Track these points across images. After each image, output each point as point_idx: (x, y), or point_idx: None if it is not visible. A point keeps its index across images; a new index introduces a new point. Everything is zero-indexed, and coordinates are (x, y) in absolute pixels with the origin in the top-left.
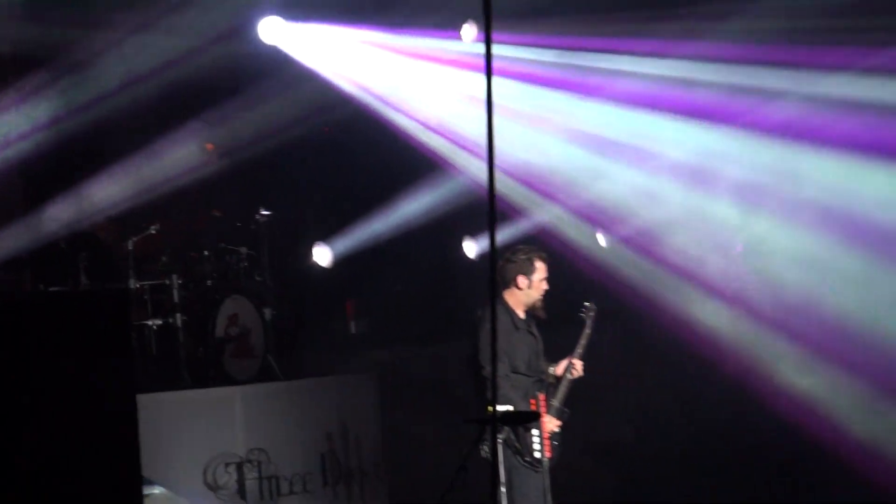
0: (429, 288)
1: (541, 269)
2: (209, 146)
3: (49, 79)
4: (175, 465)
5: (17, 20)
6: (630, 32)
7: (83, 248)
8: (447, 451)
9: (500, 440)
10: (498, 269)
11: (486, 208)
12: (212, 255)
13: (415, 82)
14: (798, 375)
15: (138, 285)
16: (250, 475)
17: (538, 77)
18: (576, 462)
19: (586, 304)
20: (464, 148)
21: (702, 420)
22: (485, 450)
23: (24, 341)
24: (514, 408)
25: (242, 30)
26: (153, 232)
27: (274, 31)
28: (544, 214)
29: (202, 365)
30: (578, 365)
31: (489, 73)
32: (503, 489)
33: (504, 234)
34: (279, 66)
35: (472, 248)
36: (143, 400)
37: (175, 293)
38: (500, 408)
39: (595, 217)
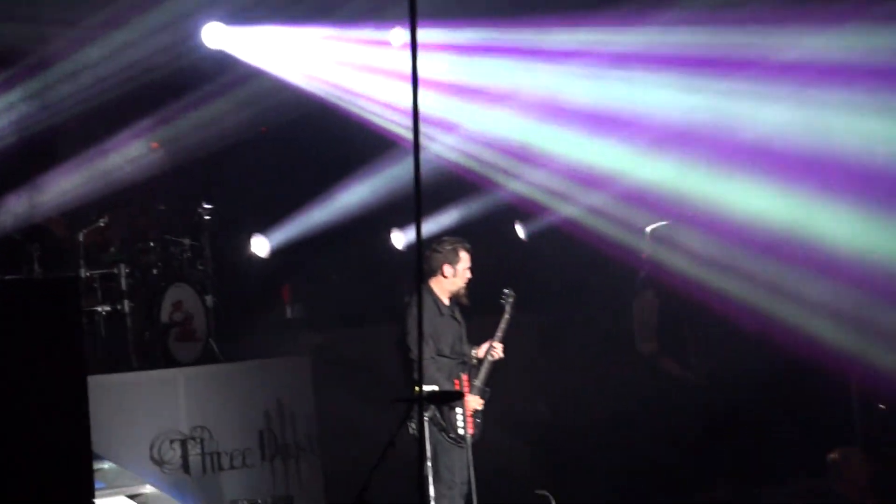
0: (360, 276)
1: (465, 259)
2: (154, 144)
3: (5, 78)
4: (123, 442)
5: None
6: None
7: (36, 239)
8: (377, 428)
9: (426, 418)
10: (425, 259)
11: (421, 199)
12: (157, 246)
13: (361, 71)
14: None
15: (88, 274)
16: (193, 451)
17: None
18: (496, 437)
19: (505, 291)
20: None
21: (613, 397)
22: (412, 427)
23: None
24: (439, 388)
25: (187, 34)
26: (102, 224)
27: (217, 35)
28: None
29: (148, 348)
30: (499, 347)
31: (415, 69)
32: (429, 463)
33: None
34: (221, 69)
35: (400, 238)
36: (93, 381)
37: (123, 281)
38: (426, 388)
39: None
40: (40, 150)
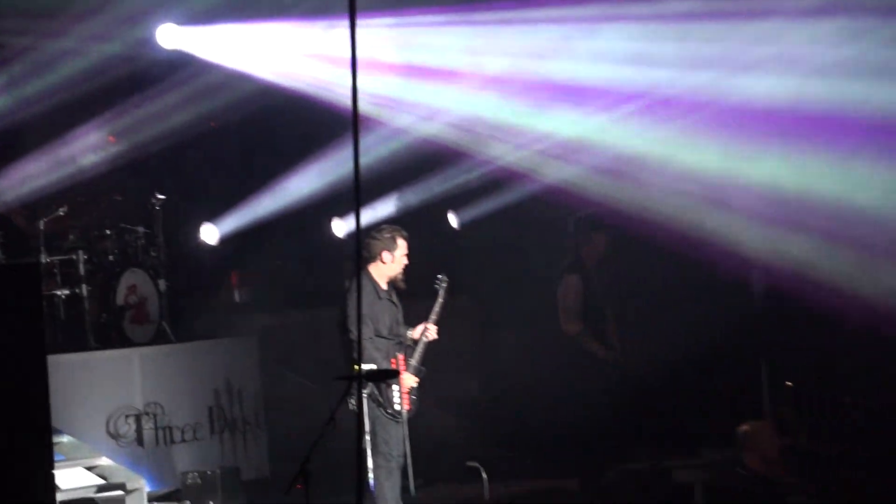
0: (303, 261)
1: (402, 246)
2: (111, 139)
3: None
4: (81, 417)
5: None
6: None
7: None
8: (319, 404)
9: (365, 395)
10: (364, 246)
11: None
12: (113, 234)
13: (314, 58)
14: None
15: (48, 260)
16: (147, 425)
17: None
18: (430, 413)
19: (439, 276)
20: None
21: (539, 375)
22: (352, 403)
23: None
24: (377, 366)
25: (143, 35)
26: (62, 213)
27: (171, 36)
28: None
29: (105, 329)
30: (433, 329)
31: (354, 63)
32: (368, 437)
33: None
34: (174, 68)
35: (340, 227)
36: (53, 360)
37: (81, 267)
38: (365, 366)
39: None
40: (2, 144)
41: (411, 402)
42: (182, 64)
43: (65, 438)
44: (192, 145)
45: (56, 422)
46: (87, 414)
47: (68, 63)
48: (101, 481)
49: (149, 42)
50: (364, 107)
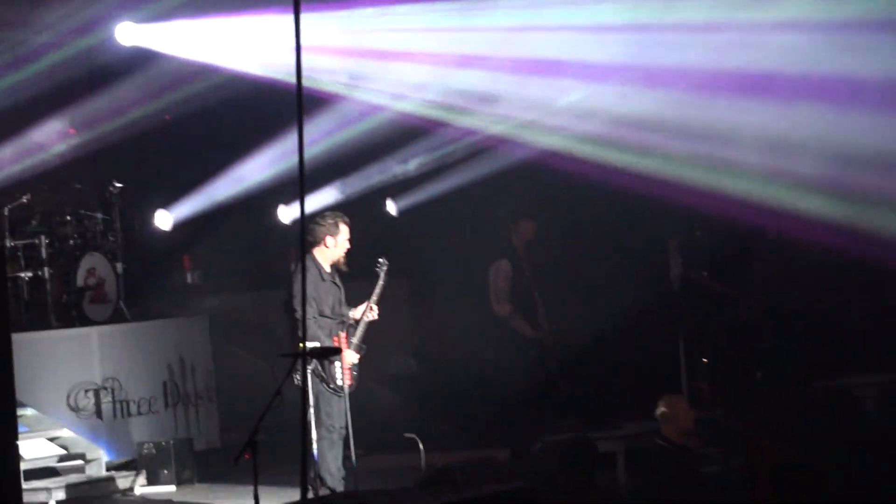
0: (252, 245)
1: (344, 231)
2: (72, 131)
3: None
4: (43, 391)
5: None
6: None
7: None
8: (266, 380)
9: (309, 370)
10: (309, 231)
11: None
12: (73, 220)
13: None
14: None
15: (13, 244)
16: (105, 399)
17: None
18: (371, 388)
19: (380, 259)
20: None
21: (472, 352)
22: (296, 378)
23: None
24: (321, 344)
25: (102, 32)
26: (25, 200)
27: (129, 33)
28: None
29: (66, 309)
30: (374, 309)
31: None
32: (312, 410)
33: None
34: (132, 64)
35: (285, 213)
36: (17, 338)
37: (43, 250)
38: (309, 344)
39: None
40: None
41: (353, 378)
42: (139, 59)
43: (28, 411)
44: (147, 136)
45: (20, 396)
46: (49, 388)
47: (33, 57)
48: (62, 451)
49: (108, 39)
50: (333, 86)
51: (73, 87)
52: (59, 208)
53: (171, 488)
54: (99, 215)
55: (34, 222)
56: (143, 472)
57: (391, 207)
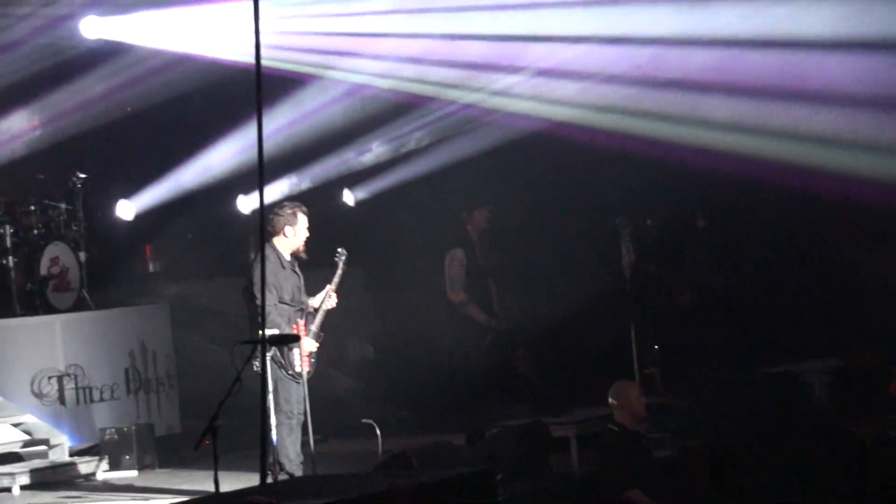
0: (212, 235)
1: (303, 220)
2: (36, 122)
3: None
4: (7, 378)
5: None
6: None
7: None
8: (226, 366)
9: (268, 357)
10: (268, 221)
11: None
12: (37, 210)
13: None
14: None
15: None
16: (69, 386)
17: None
18: (329, 374)
19: (339, 250)
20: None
21: (428, 340)
22: (256, 365)
23: None
24: (280, 331)
25: (67, 26)
26: None
27: (93, 27)
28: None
29: (30, 297)
30: (332, 298)
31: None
32: (271, 396)
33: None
34: (96, 57)
35: (244, 203)
36: None
37: (7, 240)
38: (268, 331)
39: None
40: None
41: (311, 364)
42: (104, 52)
43: None
44: (110, 128)
45: None
46: (13, 375)
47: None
48: (26, 437)
49: (73, 32)
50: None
51: (38, 80)
52: (23, 198)
53: (133, 473)
54: (62, 205)
55: None
56: (106, 457)
57: (348, 197)
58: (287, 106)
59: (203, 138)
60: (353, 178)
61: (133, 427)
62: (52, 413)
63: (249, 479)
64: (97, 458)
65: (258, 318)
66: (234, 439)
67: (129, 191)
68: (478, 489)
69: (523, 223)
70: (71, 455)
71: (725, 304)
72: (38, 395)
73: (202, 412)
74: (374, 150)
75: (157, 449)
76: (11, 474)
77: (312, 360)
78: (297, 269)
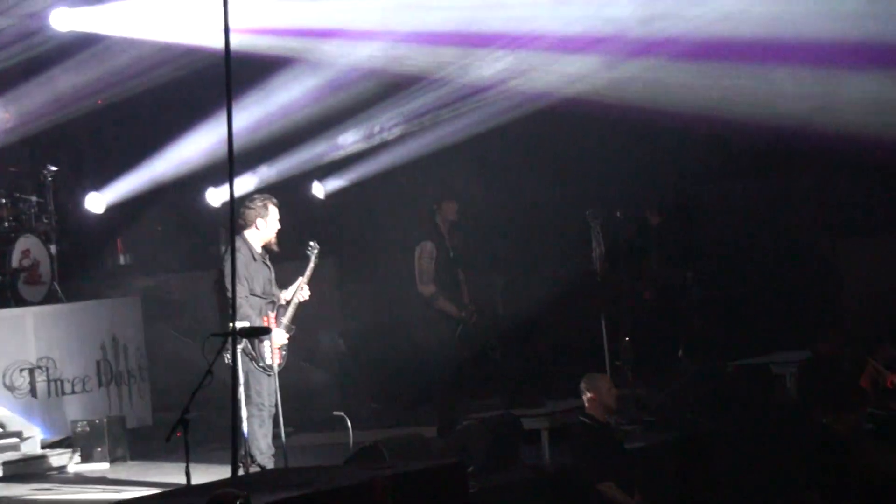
0: (183, 227)
1: (274, 213)
2: (7, 115)
3: None
4: None
5: None
6: None
7: None
8: (197, 358)
9: (239, 349)
10: (240, 214)
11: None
12: (8, 203)
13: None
14: None
15: None
16: (40, 378)
17: None
18: (299, 366)
19: (311, 243)
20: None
21: (398, 331)
22: (227, 357)
23: None
24: (251, 323)
25: (37, 19)
26: None
27: (64, 19)
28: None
29: (1, 290)
30: (305, 290)
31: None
32: (242, 388)
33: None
34: (67, 49)
35: (214, 195)
36: None
37: None
38: (239, 323)
39: None
40: None
41: (282, 357)
42: (75, 44)
43: None
44: (80, 121)
45: None
46: None
47: None
48: None
49: (43, 27)
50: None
51: (8, 73)
52: None
53: (105, 466)
54: (33, 198)
55: None
56: (78, 450)
57: (318, 190)
58: (258, 97)
59: (174, 130)
60: (324, 171)
61: (105, 420)
62: (24, 406)
63: (221, 472)
64: (69, 450)
65: (229, 310)
66: (205, 432)
67: (100, 183)
68: (449, 481)
69: (494, 215)
70: (43, 447)
71: (686, 300)
72: (10, 388)
73: (173, 405)
74: (346, 141)
75: (129, 441)
76: None
77: (283, 352)
78: (268, 262)
